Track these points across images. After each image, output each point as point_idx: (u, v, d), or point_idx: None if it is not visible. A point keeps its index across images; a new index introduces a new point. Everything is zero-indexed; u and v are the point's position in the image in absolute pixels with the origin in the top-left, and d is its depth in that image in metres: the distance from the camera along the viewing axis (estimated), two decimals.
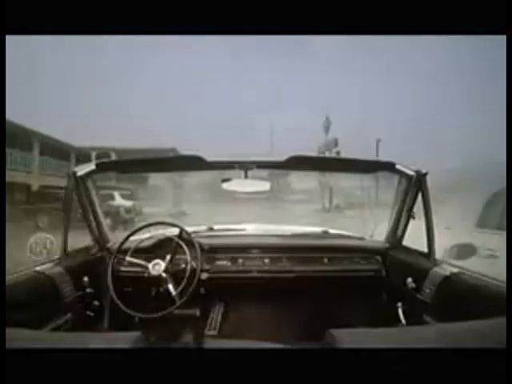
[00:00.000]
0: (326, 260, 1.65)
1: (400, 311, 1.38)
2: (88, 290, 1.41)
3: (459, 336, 0.52)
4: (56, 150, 14.70)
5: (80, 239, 1.56)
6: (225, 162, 1.40)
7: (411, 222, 1.45)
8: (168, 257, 1.48)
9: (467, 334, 0.53)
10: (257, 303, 1.77)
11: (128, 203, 10.87)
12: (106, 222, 1.68)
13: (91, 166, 1.41)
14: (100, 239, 1.63)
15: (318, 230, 2.00)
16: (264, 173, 1.59)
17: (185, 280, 1.40)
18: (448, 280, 1.12)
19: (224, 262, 1.64)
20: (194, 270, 1.44)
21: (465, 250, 1.31)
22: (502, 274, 1.04)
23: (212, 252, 1.64)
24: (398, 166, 1.35)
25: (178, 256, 1.51)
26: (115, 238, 1.70)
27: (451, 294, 1.10)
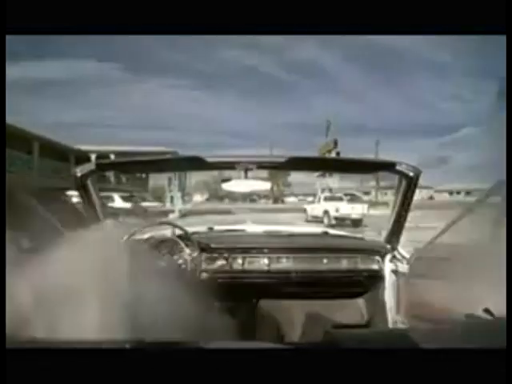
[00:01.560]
0: (325, 260, 1.65)
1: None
2: None
3: (459, 336, 0.52)
4: (55, 152, 14.73)
5: None
6: (225, 162, 1.40)
7: None
8: (167, 257, 1.48)
9: (467, 334, 0.53)
10: (256, 303, 1.76)
11: (128, 205, 10.89)
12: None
13: (91, 166, 1.41)
14: None
15: (317, 230, 2.01)
16: (264, 173, 1.59)
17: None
18: None
19: (224, 262, 1.64)
20: (193, 271, 1.44)
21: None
22: None
23: (212, 252, 1.64)
24: (398, 167, 1.35)
25: (177, 256, 1.52)
26: None
27: None
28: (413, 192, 1.38)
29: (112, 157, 13.61)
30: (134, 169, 1.56)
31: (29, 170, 12.80)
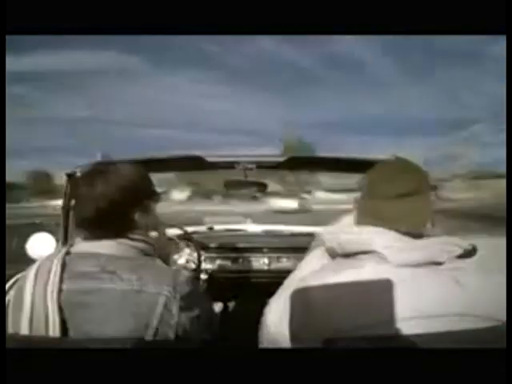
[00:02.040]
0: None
1: None
2: None
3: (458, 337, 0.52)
4: None
5: None
6: (224, 161, 1.40)
7: None
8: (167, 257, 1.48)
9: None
10: (257, 303, 1.76)
11: None
12: None
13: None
14: None
15: (318, 229, 2.00)
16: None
17: None
18: None
19: (224, 262, 1.64)
20: (193, 270, 1.44)
21: (467, 251, 1.30)
22: None
23: (212, 252, 1.64)
24: None
25: (177, 256, 1.51)
26: None
27: None
28: None
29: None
30: None
31: None
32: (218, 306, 1.16)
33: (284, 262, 1.64)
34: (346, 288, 0.57)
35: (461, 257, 0.60)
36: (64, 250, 0.67)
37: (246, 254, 1.66)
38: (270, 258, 1.65)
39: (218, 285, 1.64)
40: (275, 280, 1.70)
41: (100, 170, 0.71)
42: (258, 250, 1.68)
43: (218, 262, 1.64)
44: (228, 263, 1.64)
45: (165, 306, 0.60)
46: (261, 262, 1.64)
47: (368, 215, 0.66)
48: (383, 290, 0.55)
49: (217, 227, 2.01)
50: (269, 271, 1.63)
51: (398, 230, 0.60)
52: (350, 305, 0.57)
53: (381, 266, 0.57)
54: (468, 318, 0.54)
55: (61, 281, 0.60)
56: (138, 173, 0.76)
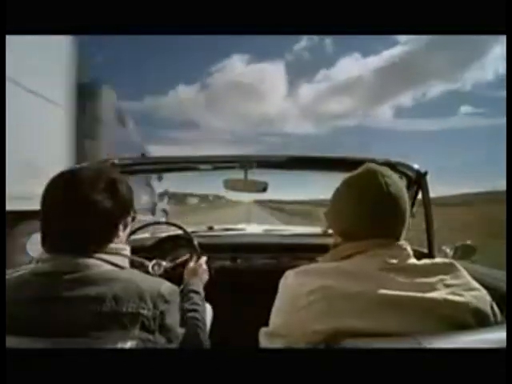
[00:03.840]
0: None
1: None
2: None
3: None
4: None
5: None
6: (223, 161, 1.40)
7: None
8: (167, 257, 1.48)
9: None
10: (257, 303, 1.76)
11: None
12: None
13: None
14: None
15: (318, 229, 2.00)
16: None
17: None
18: None
19: (224, 262, 1.63)
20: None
21: (467, 251, 1.31)
22: None
23: (212, 252, 1.64)
24: (396, 165, 1.34)
25: (177, 256, 1.51)
26: None
27: None
28: (415, 191, 1.36)
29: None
30: (129, 170, 1.53)
31: None
32: (210, 310, 1.16)
33: (284, 262, 1.64)
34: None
35: None
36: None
37: (246, 254, 1.66)
38: (269, 257, 1.65)
39: (218, 284, 1.64)
40: (275, 280, 1.70)
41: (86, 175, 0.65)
42: (257, 249, 1.68)
43: (218, 261, 1.63)
44: (228, 263, 1.64)
45: (142, 326, 0.58)
46: (261, 262, 1.64)
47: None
48: None
49: (216, 227, 2.01)
50: (269, 271, 1.63)
51: None
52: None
53: None
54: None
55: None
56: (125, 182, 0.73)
